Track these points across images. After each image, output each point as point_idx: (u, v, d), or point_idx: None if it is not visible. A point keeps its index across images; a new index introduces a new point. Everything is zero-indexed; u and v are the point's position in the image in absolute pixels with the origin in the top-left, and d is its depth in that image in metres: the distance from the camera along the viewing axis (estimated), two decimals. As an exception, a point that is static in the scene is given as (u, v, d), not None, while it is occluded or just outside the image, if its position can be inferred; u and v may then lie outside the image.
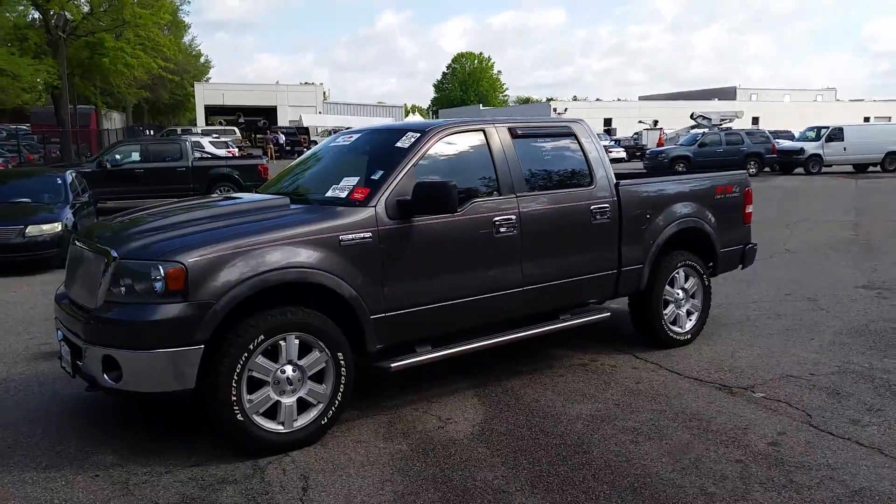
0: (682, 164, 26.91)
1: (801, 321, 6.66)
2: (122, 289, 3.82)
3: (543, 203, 5.03)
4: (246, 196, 4.81)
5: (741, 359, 5.59)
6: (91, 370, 3.89)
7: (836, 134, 27.98)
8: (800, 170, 28.34)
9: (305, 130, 48.95)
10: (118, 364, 3.76)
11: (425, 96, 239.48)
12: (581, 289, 5.34)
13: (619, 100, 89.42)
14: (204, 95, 62.40)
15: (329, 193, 4.56)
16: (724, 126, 33.99)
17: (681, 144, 29.64)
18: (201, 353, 3.75)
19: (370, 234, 4.24)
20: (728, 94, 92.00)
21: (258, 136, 49.05)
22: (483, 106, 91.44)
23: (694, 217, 5.97)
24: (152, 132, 49.19)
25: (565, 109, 74.13)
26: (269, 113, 62.63)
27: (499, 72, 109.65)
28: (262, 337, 3.86)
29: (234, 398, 3.82)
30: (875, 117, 72.31)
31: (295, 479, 3.69)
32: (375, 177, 4.50)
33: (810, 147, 27.94)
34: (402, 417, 4.50)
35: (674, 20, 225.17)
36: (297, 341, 4.00)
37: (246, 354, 3.83)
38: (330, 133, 57.52)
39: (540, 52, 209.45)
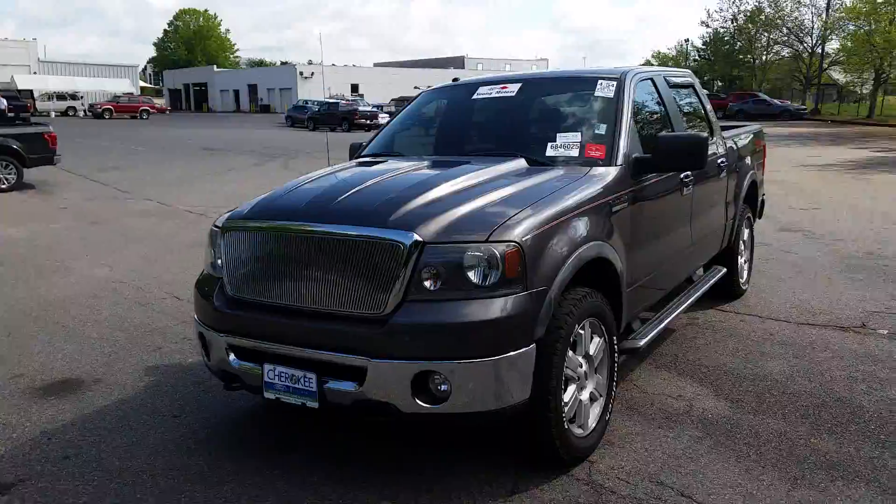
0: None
1: (791, 263, 7.25)
2: (434, 282, 2.87)
3: (698, 158, 4.80)
4: (475, 160, 3.82)
5: (808, 301, 5.92)
6: (381, 395, 2.89)
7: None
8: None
9: (29, 94, 41.70)
10: (443, 381, 2.84)
11: (137, 56, 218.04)
12: (713, 246, 5.24)
13: (354, 66, 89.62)
14: None
15: (551, 152, 3.86)
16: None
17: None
18: (535, 353, 2.98)
19: (626, 196, 3.70)
20: (458, 63, 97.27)
21: (-34, 100, 40.58)
22: (217, 67, 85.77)
23: (754, 170, 6.16)
24: None
25: (311, 74, 72.58)
26: (-37, 73, 52.18)
27: (227, 30, 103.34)
28: (576, 327, 3.19)
29: (563, 403, 3.12)
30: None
31: (669, 493, 3.12)
32: (600, 131, 3.92)
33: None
34: (631, 400, 4.04)
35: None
36: (590, 329, 3.37)
37: (566, 349, 3.13)
38: (54, 97, 49.74)
39: (260, 14, 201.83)
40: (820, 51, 46.15)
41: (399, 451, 3.55)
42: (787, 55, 51.89)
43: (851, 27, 40.89)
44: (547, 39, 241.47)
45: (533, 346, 2.95)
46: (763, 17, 50.79)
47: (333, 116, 42.41)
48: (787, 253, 7.76)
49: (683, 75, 5.23)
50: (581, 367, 3.33)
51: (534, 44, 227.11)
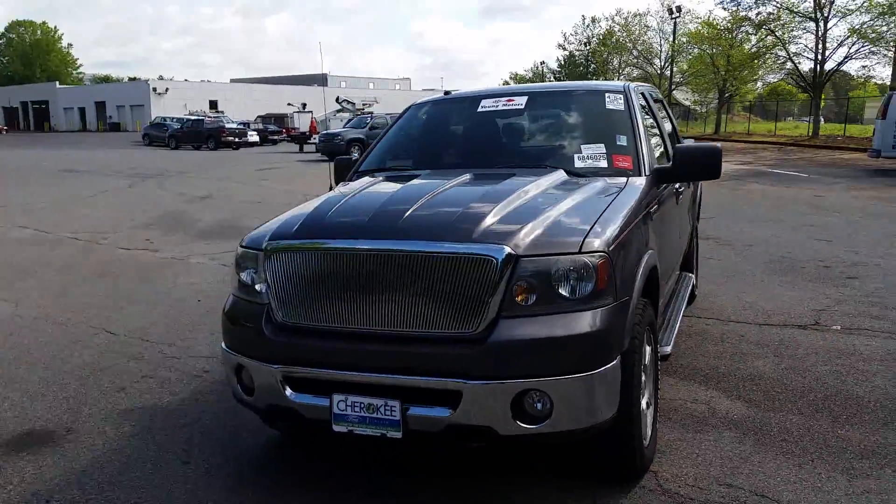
0: (356, 146, 27.64)
1: (719, 269, 7.71)
2: (526, 296, 2.76)
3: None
4: (518, 173, 3.69)
5: (755, 303, 6.29)
6: (478, 418, 2.73)
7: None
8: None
9: None
10: (539, 400, 2.73)
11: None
12: (683, 253, 5.44)
13: (208, 81, 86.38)
14: None
15: (579, 164, 3.86)
16: (367, 110, 36.02)
17: (352, 127, 30.15)
18: (620, 366, 2.94)
19: (655, 206, 3.77)
20: (321, 80, 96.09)
21: None
22: (60, 84, 79.73)
23: (700, 180, 6.50)
24: None
25: (166, 90, 69.29)
26: None
27: (69, 45, 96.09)
28: (644, 335, 3.19)
29: (642, 414, 3.11)
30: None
31: (744, 494, 3.15)
32: (622, 143, 3.98)
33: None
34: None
35: (244, 4, 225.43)
36: (645, 338, 3.38)
37: (641, 360, 3.12)
38: None
39: (101, 28, 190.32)
40: (669, 73, 49.93)
41: (456, 479, 3.38)
42: (637, 77, 55.67)
43: (696, 51, 44.54)
44: (404, 58, 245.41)
45: (619, 358, 2.92)
46: (614, 41, 54.23)
47: (198, 134, 40.57)
48: (710, 259, 8.22)
49: (655, 90, 5.44)
50: (643, 377, 3.33)
51: (391, 62, 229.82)
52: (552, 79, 66.09)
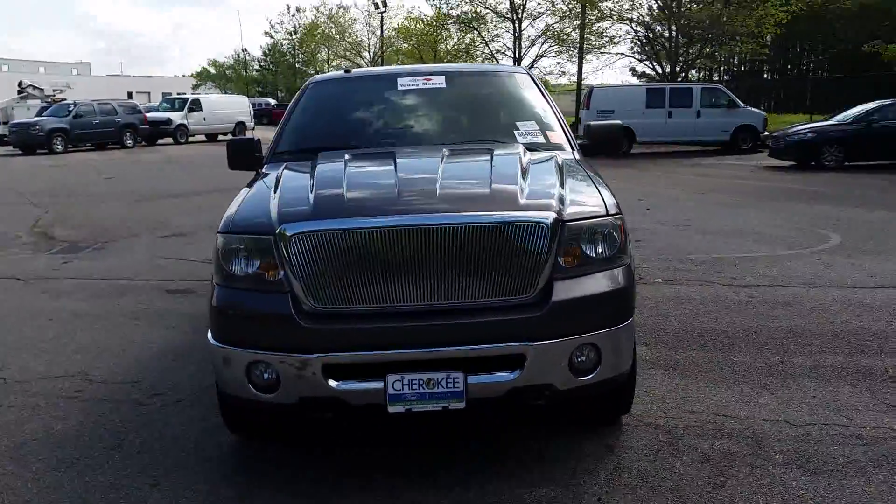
0: (59, 137, 24.39)
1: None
2: (569, 258, 2.90)
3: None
4: (496, 147, 3.68)
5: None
6: (541, 377, 2.85)
7: (195, 105, 29.84)
8: (168, 139, 29.07)
9: None
10: (592, 352, 2.90)
11: None
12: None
13: None
14: None
15: (521, 140, 4.02)
16: (58, 97, 32.04)
17: (50, 115, 26.13)
18: (632, 317, 3.22)
19: (593, 178, 4.12)
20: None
21: None
22: None
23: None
24: None
25: None
26: None
27: None
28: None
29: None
30: (137, 92, 76.37)
31: (736, 421, 3.64)
32: (547, 120, 4.26)
33: (176, 117, 29.01)
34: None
35: None
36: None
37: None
38: None
39: None
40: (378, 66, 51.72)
41: (470, 443, 3.41)
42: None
43: (405, 45, 46.74)
44: (73, 42, 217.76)
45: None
46: (320, 33, 54.60)
47: None
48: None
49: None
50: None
51: (57, 46, 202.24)
52: (257, 67, 64.36)
